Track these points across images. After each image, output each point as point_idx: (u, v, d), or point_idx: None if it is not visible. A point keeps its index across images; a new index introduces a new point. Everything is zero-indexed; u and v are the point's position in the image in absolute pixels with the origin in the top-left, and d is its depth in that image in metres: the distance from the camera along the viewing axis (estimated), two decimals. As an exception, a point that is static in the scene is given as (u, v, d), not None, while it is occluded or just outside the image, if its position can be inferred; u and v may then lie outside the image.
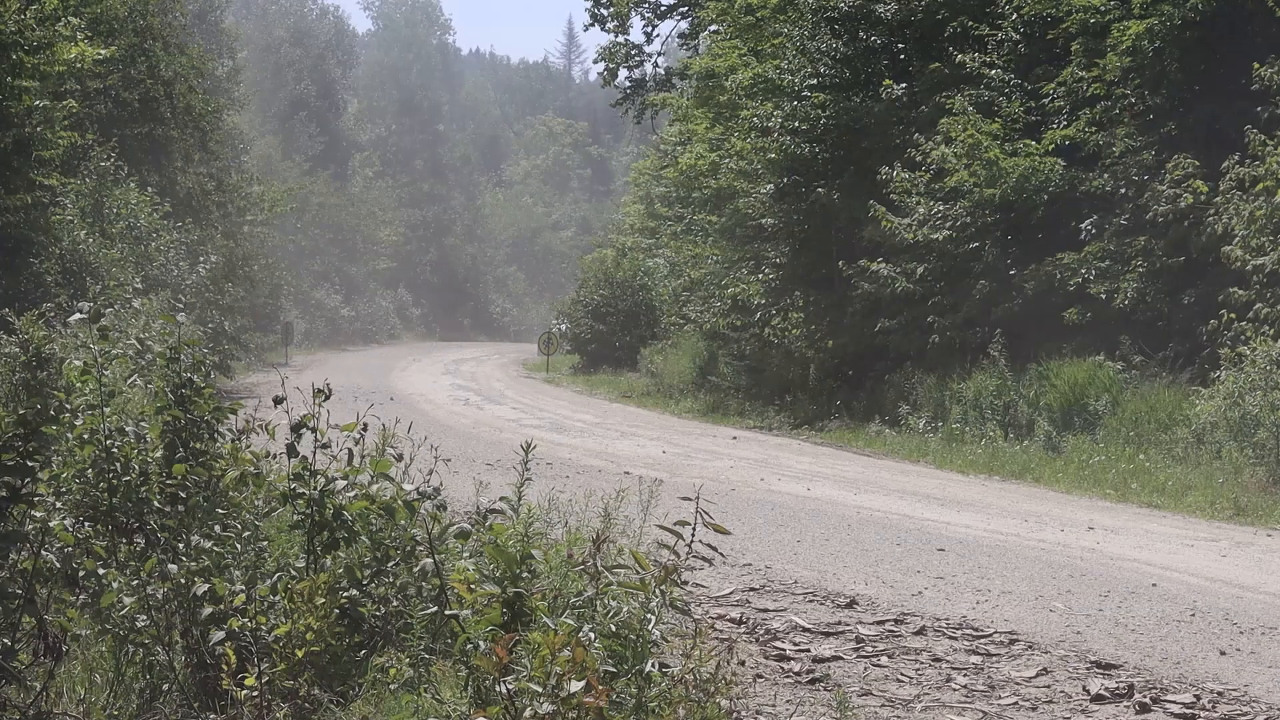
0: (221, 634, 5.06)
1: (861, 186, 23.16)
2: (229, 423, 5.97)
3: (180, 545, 5.51)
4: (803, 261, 25.69)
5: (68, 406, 5.30)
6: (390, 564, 5.66)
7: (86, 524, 5.52)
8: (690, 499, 4.98)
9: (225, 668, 4.87)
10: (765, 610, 8.39)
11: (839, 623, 8.06)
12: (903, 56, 24.54)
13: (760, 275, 26.83)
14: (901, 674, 6.98)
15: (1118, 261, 18.57)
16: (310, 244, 67.02)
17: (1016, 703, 6.54)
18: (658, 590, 4.79)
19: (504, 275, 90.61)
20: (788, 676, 6.86)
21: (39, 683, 4.84)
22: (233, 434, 6.00)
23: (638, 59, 41.90)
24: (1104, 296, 18.33)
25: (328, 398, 5.65)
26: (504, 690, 4.25)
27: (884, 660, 7.24)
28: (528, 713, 4.15)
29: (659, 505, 8.19)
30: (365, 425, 5.79)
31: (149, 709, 5.06)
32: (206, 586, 5.13)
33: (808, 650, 7.39)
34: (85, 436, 5.61)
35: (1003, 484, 15.59)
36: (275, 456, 5.76)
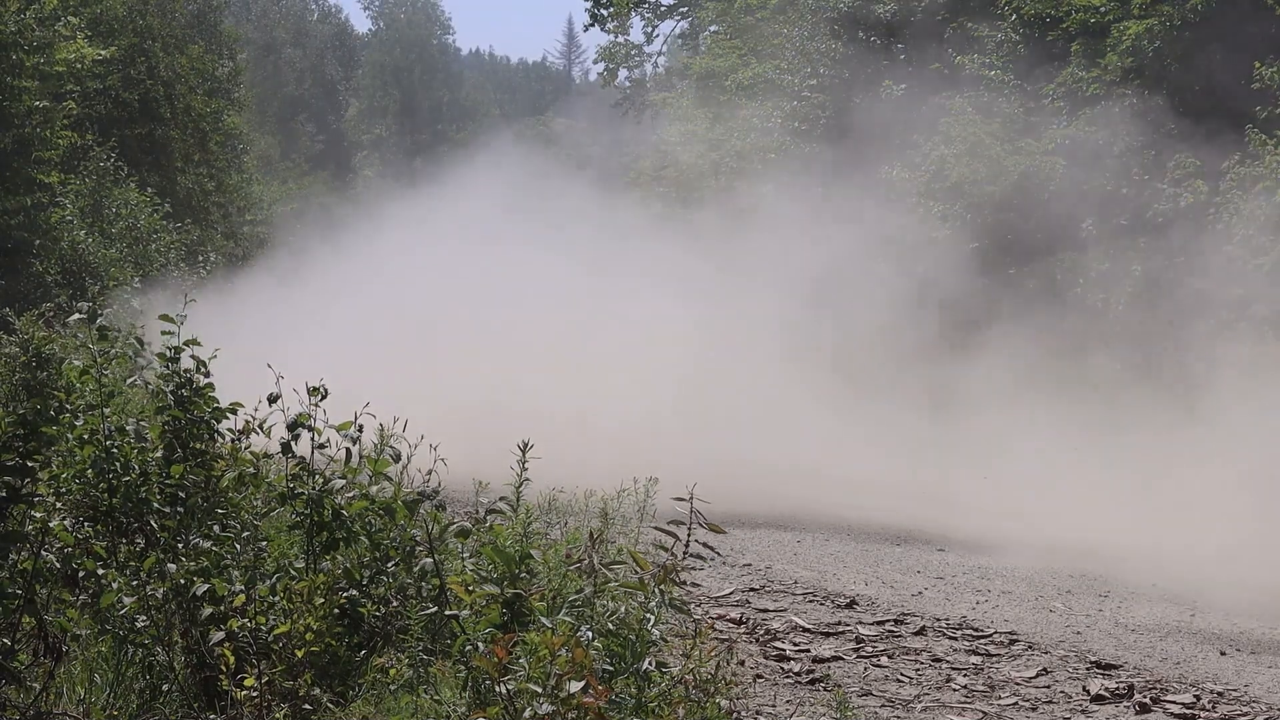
0: (221, 634, 5.05)
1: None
2: (228, 423, 5.96)
3: (180, 545, 5.50)
4: (802, 261, 25.67)
5: (68, 406, 5.29)
6: (390, 564, 5.64)
7: (86, 524, 5.51)
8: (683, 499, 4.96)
9: (224, 668, 4.86)
10: (765, 610, 8.38)
11: (839, 623, 8.06)
12: (902, 57, 24.54)
13: (760, 275, 26.79)
14: (901, 674, 6.97)
15: (1117, 263, 18.56)
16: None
17: (1016, 703, 6.53)
18: (657, 590, 4.78)
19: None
20: (788, 676, 6.85)
21: (39, 683, 4.83)
22: (232, 434, 5.99)
23: (638, 59, 41.91)
24: (1103, 296, 18.32)
25: (324, 396, 5.64)
26: (503, 690, 4.25)
27: (884, 660, 7.23)
28: (527, 713, 4.14)
29: (659, 506, 8.17)
30: (361, 426, 5.77)
31: (149, 709, 5.05)
32: (206, 586, 5.12)
33: (808, 650, 7.39)
34: (85, 436, 5.60)
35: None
36: (275, 456, 5.76)
